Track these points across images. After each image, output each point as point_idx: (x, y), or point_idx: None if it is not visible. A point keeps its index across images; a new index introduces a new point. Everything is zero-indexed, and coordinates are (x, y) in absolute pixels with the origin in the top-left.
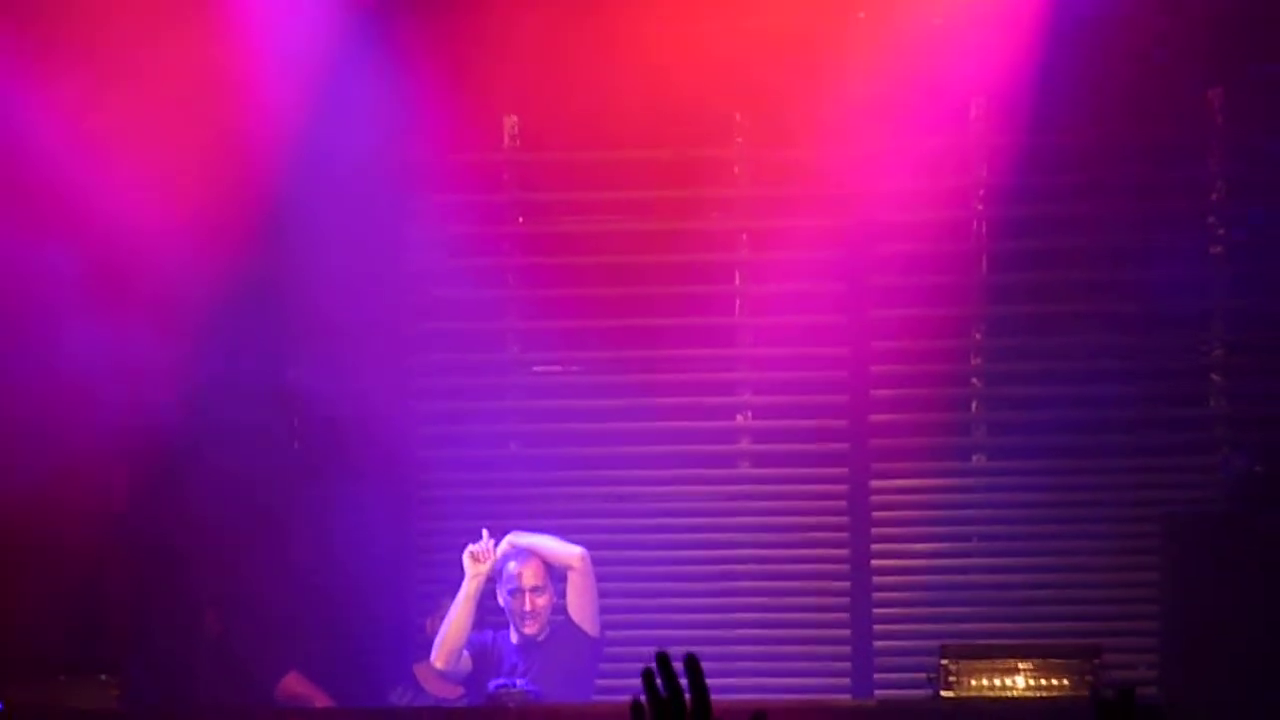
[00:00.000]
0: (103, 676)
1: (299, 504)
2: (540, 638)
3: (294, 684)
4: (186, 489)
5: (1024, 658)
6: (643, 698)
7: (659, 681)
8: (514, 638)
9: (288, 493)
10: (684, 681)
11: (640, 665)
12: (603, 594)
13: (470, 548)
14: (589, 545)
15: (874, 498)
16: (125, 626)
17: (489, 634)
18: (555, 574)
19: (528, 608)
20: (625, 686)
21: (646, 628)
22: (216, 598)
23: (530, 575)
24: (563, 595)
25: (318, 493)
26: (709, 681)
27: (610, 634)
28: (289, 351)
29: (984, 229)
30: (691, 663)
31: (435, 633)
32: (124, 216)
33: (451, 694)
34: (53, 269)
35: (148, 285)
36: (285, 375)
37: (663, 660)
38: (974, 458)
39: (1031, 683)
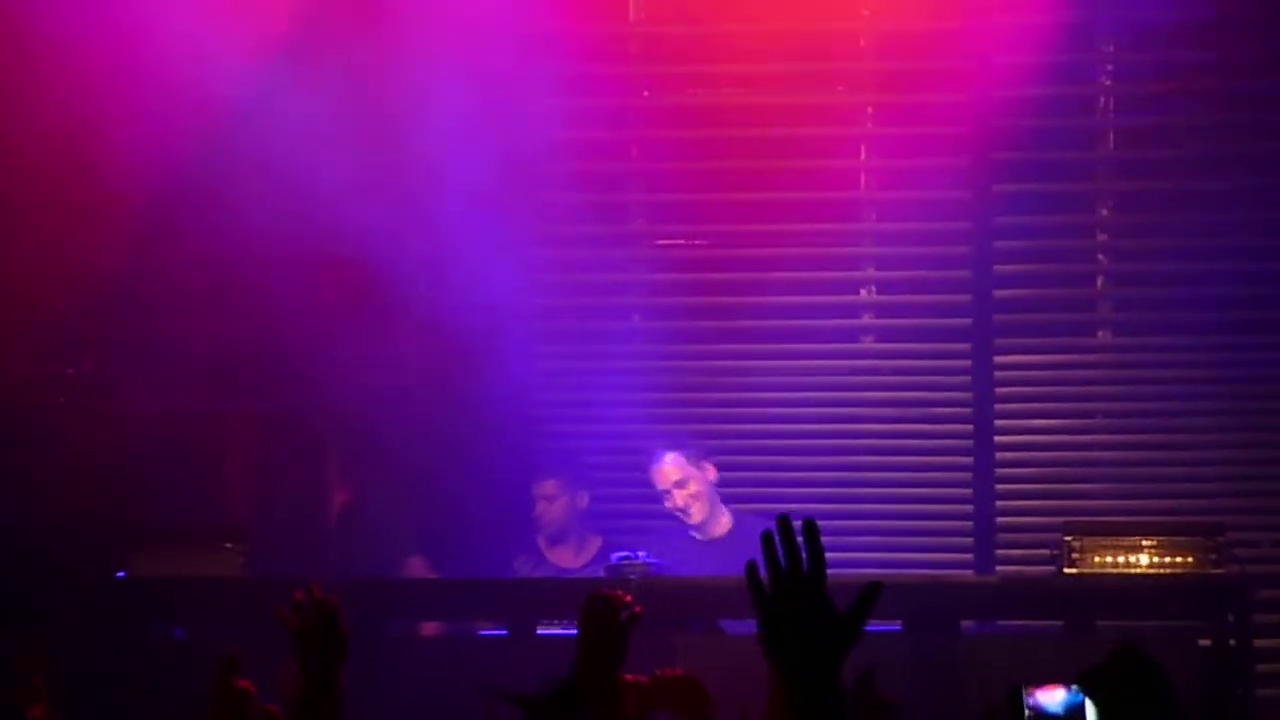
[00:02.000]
0: (228, 544)
1: (422, 378)
2: (717, 531)
3: (417, 568)
4: (316, 364)
5: (1147, 535)
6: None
7: (779, 546)
8: (698, 535)
9: (413, 369)
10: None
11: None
12: (728, 468)
13: None
14: (712, 420)
15: (997, 373)
16: (251, 494)
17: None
18: (696, 460)
19: (679, 504)
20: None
21: (770, 502)
22: (344, 469)
23: (661, 476)
24: None
25: (440, 368)
26: (832, 555)
27: (736, 506)
28: (416, 236)
29: (1112, 104)
30: (809, 527)
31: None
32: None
33: (574, 564)
34: None
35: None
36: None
37: (783, 525)
38: (1099, 333)
39: (1155, 560)
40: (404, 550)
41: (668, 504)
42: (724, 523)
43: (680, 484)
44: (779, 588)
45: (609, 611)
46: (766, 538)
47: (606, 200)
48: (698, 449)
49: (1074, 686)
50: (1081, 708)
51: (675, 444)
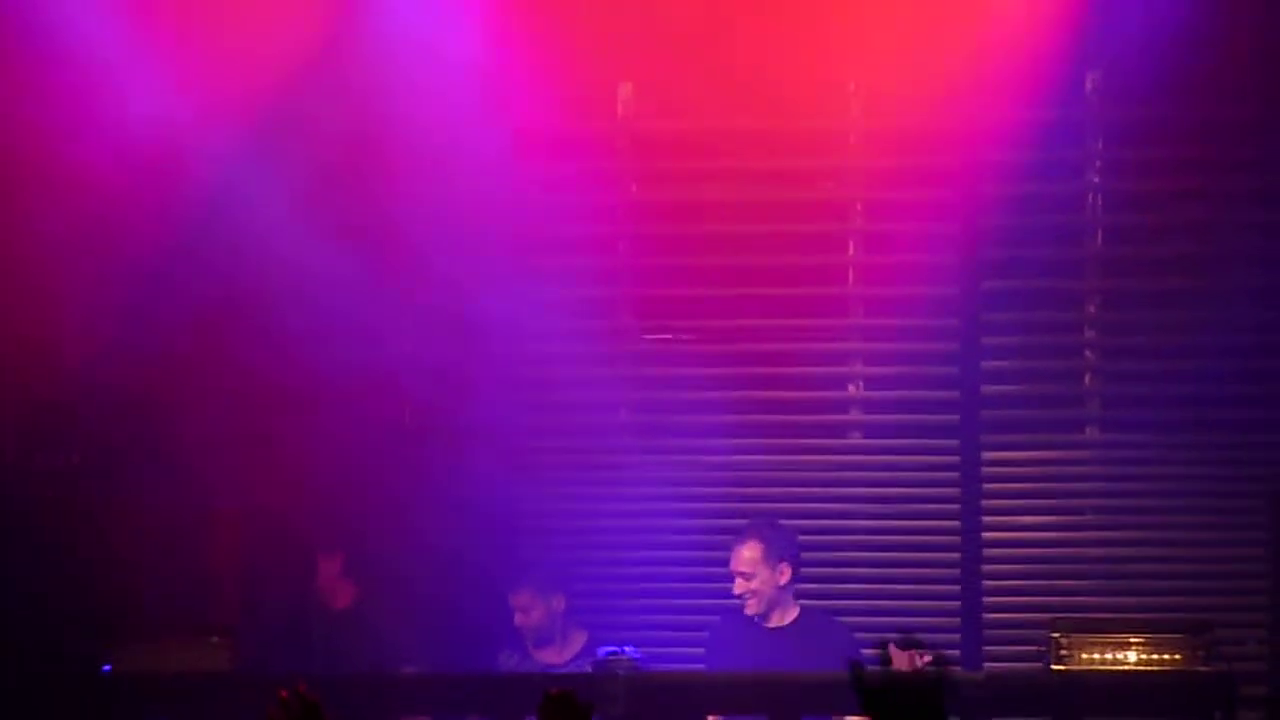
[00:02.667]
0: (215, 639)
1: (410, 468)
2: (781, 621)
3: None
4: (300, 450)
5: (1135, 632)
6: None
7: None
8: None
9: (399, 457)
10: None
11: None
12: (712, 563)
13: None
14: (699, 514)
15: (985, 469)
16: (238, 591)
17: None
18: (773, 560)
19: (738, 591)
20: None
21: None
22: (349, 569)
23: (734, 558)
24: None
25: (429, 458)
26: None
27: (720, 602)
28: (401, 324)
29: (1099, 201)
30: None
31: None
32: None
33: (559, 660)
34: None
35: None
36: (398, 346)
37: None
38: (1087, 430)
39: (1143, 657)
40: (399, 656)
41: (738, 585)
42: (789, 615)
43: (746, 576)
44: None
45: (566, 706)
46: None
47: (595, 295)
48: (784, 548)
49: None
50: None
51: (763, 535)
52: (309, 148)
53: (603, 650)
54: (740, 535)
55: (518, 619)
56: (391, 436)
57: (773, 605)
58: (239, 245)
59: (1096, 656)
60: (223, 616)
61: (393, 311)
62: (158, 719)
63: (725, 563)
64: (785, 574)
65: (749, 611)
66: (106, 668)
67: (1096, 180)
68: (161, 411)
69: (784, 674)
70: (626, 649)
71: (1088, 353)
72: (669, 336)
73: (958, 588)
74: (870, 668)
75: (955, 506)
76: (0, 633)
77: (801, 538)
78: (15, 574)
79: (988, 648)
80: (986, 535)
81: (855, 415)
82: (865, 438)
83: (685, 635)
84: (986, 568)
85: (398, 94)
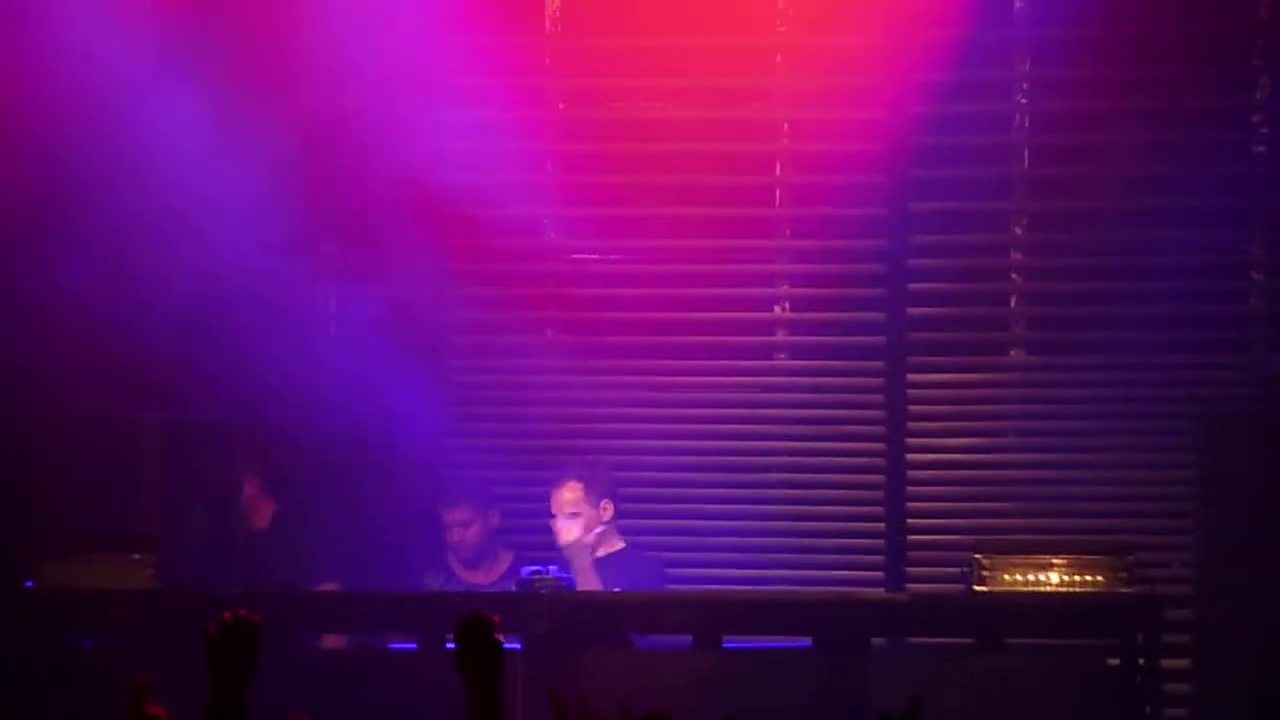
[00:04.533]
0: (137, 555)
1: (335, 386)
2: (601, 554)
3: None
4: (232, 376)
5: (1058, 553)
6: None
7: None
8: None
9: (325, 374)
10: None
11: (675, 555)
12: (638, 483)
13: None
14: (624, 435)
15: (910, 391)
16: (160, 505)
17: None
18: (594, 499)
19: (557, 529)
20: (669, 577)
21: (681, 517)
22: (271, 482)
23: (555, 500)
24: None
25: (355, 375)
26: (743, 573)
27: (645, 524)
28: (327, 236)
29: (1026, 122)
30: None
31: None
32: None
33: (485, 579)
34: None
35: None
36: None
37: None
38: (1012, 352)
39: (1065, 579)
40: (319, 574)
41: (552, 524)
42: (615, 548)
43: (570, 515)
44: None
45: (479, 632)
46: None
47: (520, 214)
48: (603, 485)
49: None
50: None
51: (584, 475)
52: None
53: (526, 570)
54: (559, 477)
55: (454, 536)
56: (320, 350)
57: (596, 541)
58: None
59: (1019, 578)
60: (146, 532)
61: (319, 224)
62: (80, 635)
63: (650, 484)
64: (608, 510)
65: (564, 549)
66: (29, 584)
67: (1024, 101)
68: (86, 321)
69: (709, 593)
70: (551, 569)
71: (1013, 275)
72: (595, 256)
73: (881, 509)
74: None
75: (880, 429)
76: None
77: (727, 459)
78: None
79: (911, 569)
80: (910, 457)
81: (781, 336)
82: (791, 358)
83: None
84: (911, 489)
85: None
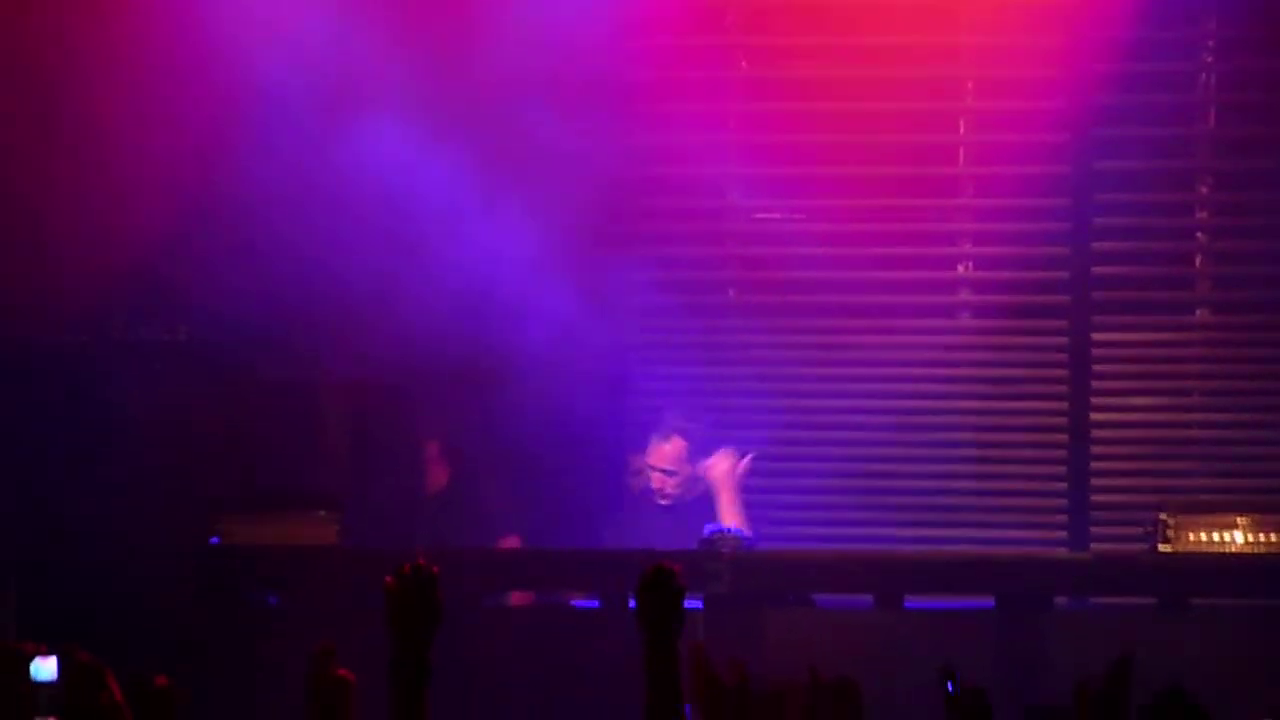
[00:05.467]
0: (323, 513)
1: (518, 351)
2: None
3: (509, 544)
4: (417, 338)
5: (1243, 513)
6: None
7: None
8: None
9: (503, 342)
10: None
11: (858, 515)
12: (821, 443)
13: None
14: (807, 395)
15: (1095, 350)
16: (346, 464)
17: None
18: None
19: (655, 485)
20: (845, 535)
21: (864, 476)
22: (446, 447)
23: (660, 455)
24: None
25: (537, 339)
26: (928, 533)
27: (833, 483)
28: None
29: (1212, 80)
30: None
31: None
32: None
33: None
34: None
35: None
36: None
37: None
38: (1197, 312)
39: (1250, 538)
40: (501, 530)
41: (647, 480)
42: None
43: (669, 472)
44: None
45: (664, 585)
46: None
47: (703, 173)
48: (703, 445)
49: None
50: None
51: (686, 433)
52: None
53: (709, 528)
54: (661, 431)
55: (656, 481)
56: (496, 315)
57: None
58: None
59: (1204, 537)
60: (331, 490)
61: (481, 194)
62: (264, 592)
63: (832, 443)
64: (702, 470)
65: (664, 502)
66: (214, 540)
67: (1209, 59)
68: (270, 283)
69: (891, 553)
70: (731, 527)
71: (1199, 234)
72: (778, 216)
73: (1064, 469)
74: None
75: (1063, 388)
76: (110, 507)
77: (909, 419)
78: (124, 448)
79: (1095, 529)
80: (1094, 416)
81: (965, 296)
82: (975, 317)
83: (807, 514)
84: (1094, 449)
85: None
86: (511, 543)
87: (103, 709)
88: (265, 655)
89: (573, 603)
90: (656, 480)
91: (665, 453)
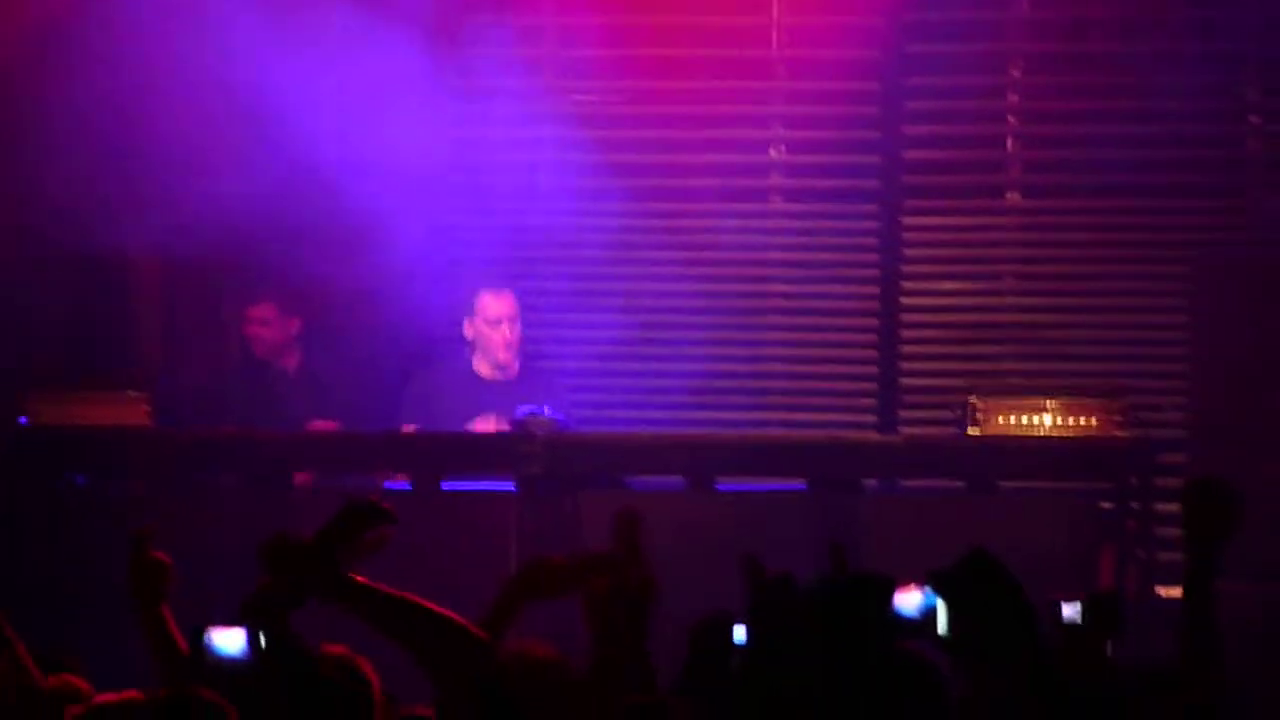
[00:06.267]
0: (132, 392)
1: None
2: (509, 375)
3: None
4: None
5: (1051, 396)
6: None
7: None
8: (485, 371)
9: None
10: None
11: (671, 400)
12: (635, 327)
13: None
14: (619, 279)
15: (905, 234)
16: (157, 343)
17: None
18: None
19: (508, 337)
20: (659, 419)
21: (676, 360)
22: (270, 298)
23: (506, 303)
24: None
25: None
26: (737, 415)
27: (642, 366)
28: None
29: None
30: None
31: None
32: None
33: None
34: None
35: None
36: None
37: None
38: (1008, 196)
39: (1059, 421)
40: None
41: (495, 334)
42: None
43: (513, 319)
44: None
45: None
46: None
47: (521, 55)
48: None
49: (927, 588)
50: (934, 610)
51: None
52: None
53: (521, 410)
54: (498, 287)
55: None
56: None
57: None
58: None
59: (1013, 421)
60: (142, 369)
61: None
62: (74, 473)
63: (644, 326)
64: None
65: (503, 362)
66: (23, 420)
67: None
68: (77, 155)
69: (703, 435)
70: (545, 409)
71: (1010, 117)
72: (593, 97)
73: (875, 352)
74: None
75: (874, 272)
76: None
77: (723, 303)
78: None
79: (904, 412)
80: (905, 300)
81: (776, 179)
82: (786, 201)
83: (624, 398)
84: (905, 332)
85: None
86: (323, 425)
87: None
88: (74, 536)
89: (385, 484)
90: (498, 335)
91: (511, 303)
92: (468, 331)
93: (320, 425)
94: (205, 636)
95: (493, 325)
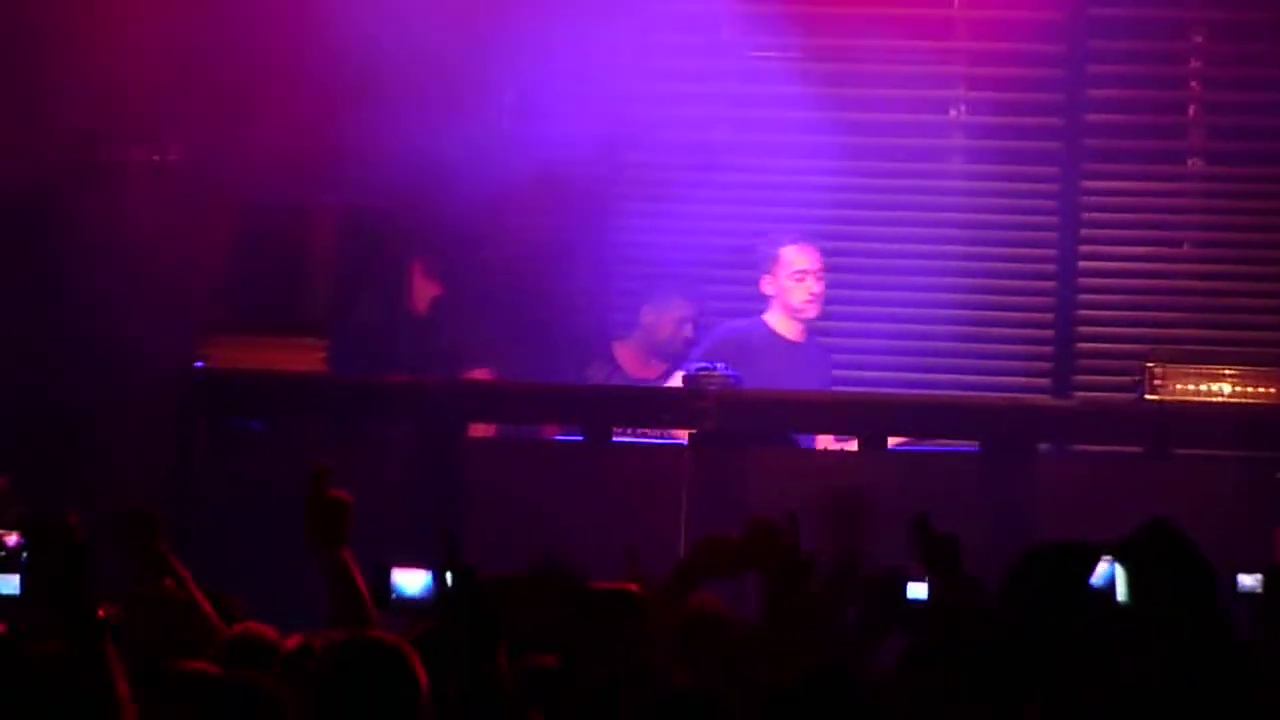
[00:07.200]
0: (308, 339)
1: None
2: (797, 337)
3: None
4: (403, 163)
5: (1231, 364)
6: None
7: None
8: (784, 328)
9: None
10: None
11: (848, 359)
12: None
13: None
14: (799, 237)
15: (1084, 198)
16: (331, 291)
17: (742, 326)
18: None
19: (815, 290)
20: (836, 379)
21: (855, 320)
22: (431, 268)
23: (811, 255)
24: None
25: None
26: (913, 375)
27: (819, 323)
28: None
29: None
30: None
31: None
32: None
33: (650, 374)
34: None
35: None
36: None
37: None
38: (1190, 161)
39: (1237, 389)
40: (473, 359)
41: (803, 287)
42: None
43: (819, 277)
44: None
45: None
46: None
47: (698, 8)
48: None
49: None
50: (1114, 580)
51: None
52: None
53: (693, 366)
54: (797, 235)
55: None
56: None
57: None
58: None
59: (1190, 388)
60: (316, 316)
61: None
62: (248, 417)
63: (835, 284)
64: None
65: (811, 315)
66: (200, 365)
67: None
68: (254, 107)
69: (876, 395)
70: (718, 366)
71: (1192, 83)
72: (773, 54)
73: (1052, 315)
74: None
75: (1054, 235)
76: (99, 327)
77: (898, 262)
78: (106, 271)
79: (1081, 377)
80: (1083, 265)
81: (957, 140)
82: (967, 162)
83: None
84: (1082, 297)
85: None
86: (481, 374)
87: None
88: (250, 481)
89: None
90: (815, 286)
91: (817, 256)
92: (767, 287)
93: (479, 374)
94: (389, 576)
95: (798, 278)
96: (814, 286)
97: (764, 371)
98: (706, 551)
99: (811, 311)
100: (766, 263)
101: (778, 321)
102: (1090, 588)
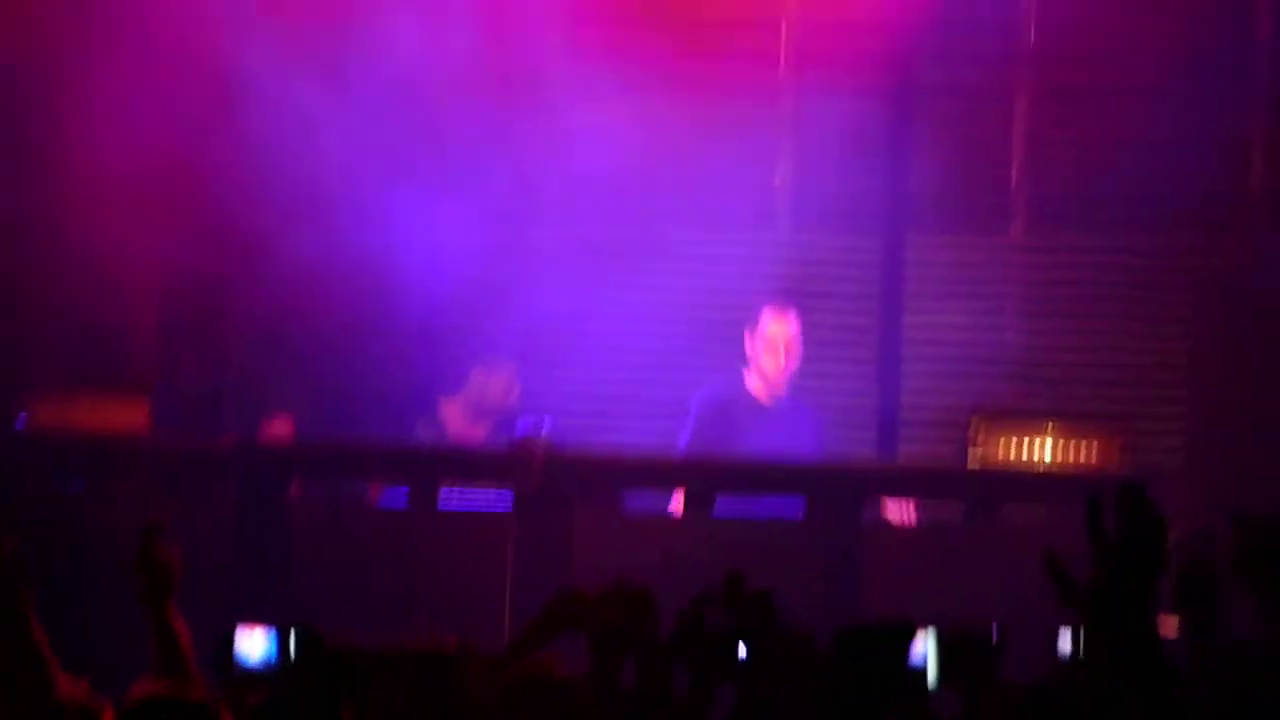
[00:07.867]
0: (130, 399)
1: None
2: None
3: (279, 427)
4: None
5: (1052, 422)
6: None
7: None
8: (759, 391)
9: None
10: None
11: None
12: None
13: None
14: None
15: (909, 266)
16: (155, 349)
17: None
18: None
19: (784, 364)
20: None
21: (678, 387)
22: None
23: (788, 331)
24: None
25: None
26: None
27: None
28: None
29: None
30: None
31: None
32: None
33: (475, 434)
34: None
35: None
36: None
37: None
38: (1012, 226)
39: (1059, 448)
40: (272, 404)
41: (772, 359)
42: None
43: (791, 352)
44: None
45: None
46: None
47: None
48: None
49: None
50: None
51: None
52: None
53: (520, 424)
54: (781, 306)
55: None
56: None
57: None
58: None
59: (1013, 447)
60: (140, 375)
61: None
62: (71, 476)
63: (641, 350)
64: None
65: (778, 390)
66: (20, 424)
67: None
68: (76, 165)
69: (700, 455)
70: (546, 420)
71: (1015, 148)
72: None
73: (875, 383)
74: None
75: (874, 304)
76: None
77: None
78: None
79: (906, 432)
80: (909, 323)
81: (783, 202)
82: (793, 230)
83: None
84: (906, 365)
85: None
86: (280, 423)
87: None
88: (71, 541)
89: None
90: (786, 360)
91: (791, 329)
92: (747, 345)
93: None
94: (232, 640)
95: (770, 350)
96: (783, 361)
97: (743, 436)
98: (562, 609)
99: (779, 386)
100: (750, 320)
101: (754, 383)
102: (905, 667)
